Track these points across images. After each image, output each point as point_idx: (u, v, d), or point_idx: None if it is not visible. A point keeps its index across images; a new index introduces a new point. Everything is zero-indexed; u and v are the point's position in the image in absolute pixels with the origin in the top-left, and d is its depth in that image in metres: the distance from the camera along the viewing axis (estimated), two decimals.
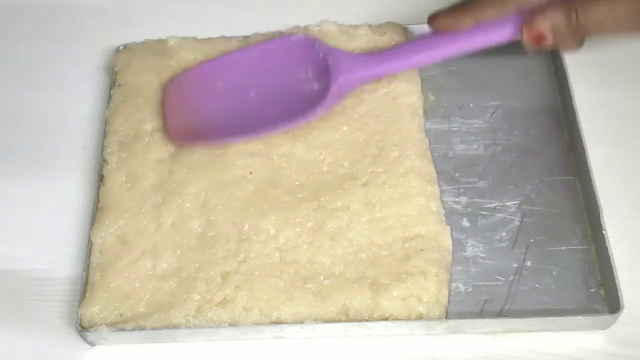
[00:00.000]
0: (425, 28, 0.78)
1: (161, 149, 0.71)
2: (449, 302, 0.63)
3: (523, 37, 0.63)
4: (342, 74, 0.69)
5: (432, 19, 0.67)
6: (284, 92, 0.71)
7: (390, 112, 0.72)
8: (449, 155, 0.72)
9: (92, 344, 0.64)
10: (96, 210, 0.69)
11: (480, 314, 0.63)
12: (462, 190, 0.70)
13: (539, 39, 0.62)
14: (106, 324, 0.63)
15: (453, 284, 0.65)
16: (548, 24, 0.61)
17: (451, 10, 0.66)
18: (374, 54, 0.71)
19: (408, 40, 0.74)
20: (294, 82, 0.71)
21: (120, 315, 0.63)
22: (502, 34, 0.65)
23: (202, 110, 0.72)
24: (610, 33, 0.63)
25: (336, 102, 0.70)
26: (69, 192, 0.73)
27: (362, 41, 0.75)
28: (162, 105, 0.73)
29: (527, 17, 0.63)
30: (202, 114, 0.72)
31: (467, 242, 0.67)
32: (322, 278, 0.63)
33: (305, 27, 0.77)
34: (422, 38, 0.69)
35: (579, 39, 0.62)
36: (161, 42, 0.78)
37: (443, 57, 0.68)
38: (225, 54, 0.75)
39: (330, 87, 0.68)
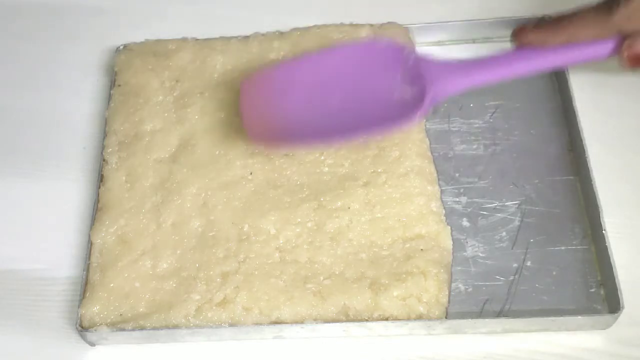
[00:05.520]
0: (425, 28, 0.79)
1: (161, 149, 0.71)
2: (449, 302, 0.63)
3: (623, 56, 0.61)
4: (436, 82, 0.65)
5: (518, 34, 0.65)
6: (370, 98, 0.68)
7: None
8: (449, 155, 0.72)
9: (92, 344, 0.64)
10: (96, 210, 0.69)
11: (480, 314, 0.63)
12: (462, 190, 0.70)
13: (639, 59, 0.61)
14: (106, 324, 0.63)
15: (453, 284, 0.65)
16: None
17: (540, 27, 0.64)
18: (466, 62, 0.66)
19: (495, 52, 0.68)
20: (381, 88, 0.68)
21: (120, 315, 0.63)
22: (599, 52, 0.62)
23: (284, 112, 0.69)
24: None
25: (428, 110, 0.66)
26: (69, 192, 0.73)
27: None
28: (239, 103, 0.71)
29: (627, 36, 0.61)
30: (283, 116, 0.69)
31: (467, 242, 0.67)
32: (322, 278, 0.63)
33: (305, 28, 0.77)
34: (514, 49, 0.65)
35: None
36: (161, 42, 0.78)
37: (539, 69, 0.65)
38: (306, 55, 0.72)
39: (425, 95, 0.64)
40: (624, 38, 0.61)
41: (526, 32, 0.64)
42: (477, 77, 0.65)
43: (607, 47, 0.62)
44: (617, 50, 0.61)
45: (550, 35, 0.63)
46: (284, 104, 0.69)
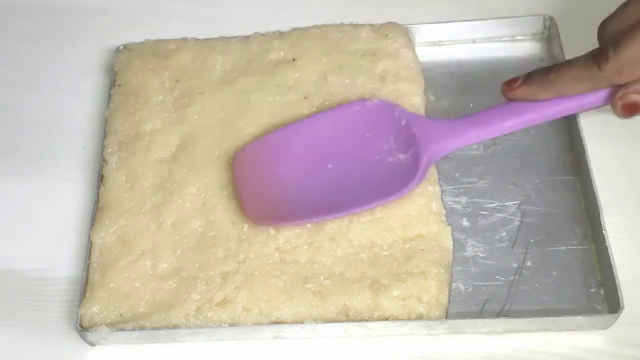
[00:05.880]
0: (425, 28, 0.79)
1: (161, 149, 0.71)
2: (449, 302, 0.63)
3: (616, 106, 0.60)
4: (431, 143, 0.64)
5: (507, 90, 0.63)
6: (365, 163, 0.66)
7: None
8: (449, 155, 0.72)
9: (92, 344, 0.64)
10: (96, 210, 0.69)
11: (480, 314, 0.63)
12: (462, 190, 0.70)
13: (634, 108, 0.59)
14: (106, 324, 0.63)
15: (453, 284, 0.65)
16: None
17: (529, 83, 0.62)
18: (459, 119, 0.65)
19: (486, 109, 0.65)
20: (375, 152, 0.66)
21: (120, 315, 0.63)
22: (591, 102, 0.61)
23: (278, 186, 0.67)
24: None
25: (424, 177, 0.65)
26: (69, 192, 0.73)
27: (364, 43, 0.75)
28: (233, 179, 0.68)
29: (619, 86, 0.59)
30: (278, 191, 0.67)
31: (467, 242, 0.67)
32: (322, 278, 0.63)
33: (305, 28, 0.77)
34: (507, 104, 0.64)
35: None
36: (161, 42, 0.78)
37: (532, 123, 0.63)
38: (294, 123, 0.69)
39: (420, 158, 0.64)
40: (616, 87, 0.59)
41: (515, 88, 0.63)
42: (470, 136, 0.64)
43: (599, 97, 0.61)
44: (610, 99, 0.60)
45: (539, 91, 0.62)
46: (278, 177, 0.67)
